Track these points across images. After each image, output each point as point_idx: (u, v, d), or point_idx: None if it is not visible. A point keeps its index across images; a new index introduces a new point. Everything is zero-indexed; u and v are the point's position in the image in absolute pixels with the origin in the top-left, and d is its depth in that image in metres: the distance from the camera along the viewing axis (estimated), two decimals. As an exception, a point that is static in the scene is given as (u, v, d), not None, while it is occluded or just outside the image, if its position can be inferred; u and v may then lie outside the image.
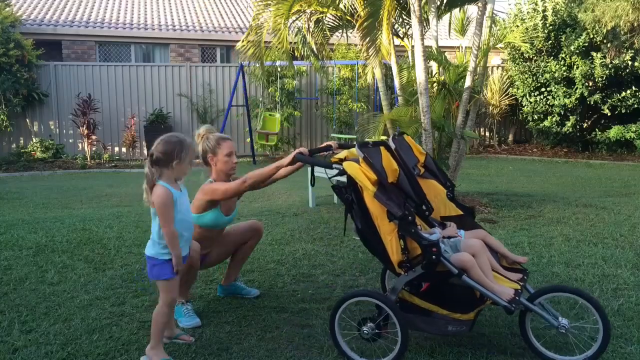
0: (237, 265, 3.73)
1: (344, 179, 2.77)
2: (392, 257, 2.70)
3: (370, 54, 6.36)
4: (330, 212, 6.27)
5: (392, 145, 3.00)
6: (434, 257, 2.59)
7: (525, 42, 10.02)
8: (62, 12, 15.36)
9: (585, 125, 12.71)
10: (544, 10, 12.20)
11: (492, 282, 2.68)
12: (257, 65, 7.60)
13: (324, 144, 3.37)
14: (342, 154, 2.87)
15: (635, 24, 10.48)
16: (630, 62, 11.16)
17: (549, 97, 12.42)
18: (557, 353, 2.79)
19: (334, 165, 2.78)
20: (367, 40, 6.19)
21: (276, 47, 6.79)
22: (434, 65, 7.24)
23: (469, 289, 2.67)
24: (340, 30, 7.69)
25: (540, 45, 12.26)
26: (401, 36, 7.34)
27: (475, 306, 2.73)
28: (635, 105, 11.68)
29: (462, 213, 3.18)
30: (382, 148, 2.87)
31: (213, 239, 3.47)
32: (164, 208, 2.73)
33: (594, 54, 11.34)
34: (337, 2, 6.86)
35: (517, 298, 2.62)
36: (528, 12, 12.61)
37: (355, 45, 9.62)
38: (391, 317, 2.70)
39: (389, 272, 3.35)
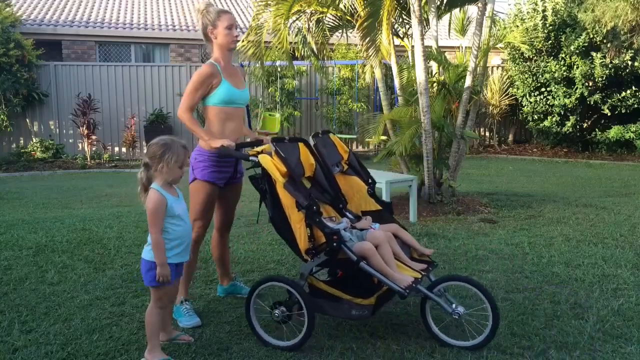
0: (223, 263, 3.70)
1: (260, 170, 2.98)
2: (299, 244, 2.90)
3: (370, 53, 6.36)
4: (330, 212, 6.27)
5: (312, 142, 3.29)
6: (334, 244, 2.79)
7: (525, 43, 10.00)
8: (62, 12, 15.36)
9: (585, 125, 12.71)
10: (543, 10, 12.20)
11: (394, 270, 2.84)
12: (258, 65, 7.59)
13: (255, 138, 3.51)
14: (260, 147, 3.11)
15: (635, 24, 10.48)
16: (630, 62, 11.16)
17: (549, 97, 12.42)
18: (453, 338, 2.96)
19: (250, 158, 2.98)
20: (367, 40, 6.19)
21: (276, 47, 6.79)
22: (434, 65, 7.24)
23: (370, 276, 2.84)
24: (340, 30, 7.69)
25: (540, 45, 12.26)
26: (401, 36, 7.34)
27: (375, 292, 2.89)
28: (635, 105, 11.68)
29: (381, 208, 3.38)
30: (300, 144, 3.18)
31: (235, 129, 3.37)
32: (153, 214, 2.72)
33: (593, 54, 11.34)
34: (337, 2, 6.86)
35: (414, 285, 2.81)
36: (528, 12, 12.61)
37: (355, 45, 9.62)
38: (299, 301, 2.88)
39: None
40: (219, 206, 3.53)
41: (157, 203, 2.72)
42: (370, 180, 3.43)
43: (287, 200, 2.89)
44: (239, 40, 3.49)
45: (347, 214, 3.28)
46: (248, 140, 3.49)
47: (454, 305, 2.86)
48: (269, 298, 3.20)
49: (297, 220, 2.88)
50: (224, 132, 3.29)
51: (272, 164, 2.90)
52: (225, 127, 3.32)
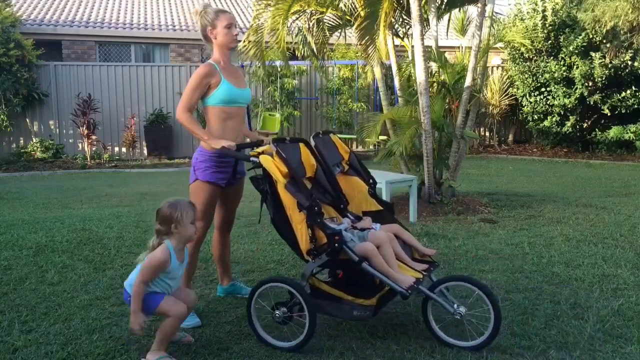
0: (224, 263, 3.69)
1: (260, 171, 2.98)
2: (301, 245, 2.91)
3: (369, 53, 6.36)
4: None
5: (312, 143, 3.29)
6: (336, 245, 2.79)
7: (525, 39, 9.97)
8: (62, 12, 15.36)
9: (585, 125, 12.71)
10: (543, 10, 12.20)
11: (396, 270, 2.85)
12: (259, 65, 7.60)
13: (256, 139, 3.49)
14: (262, 148, 3.09)
15: (635, 24, 10.48)
16: (629, 62, 11.16)
17: (549, 97, 12.42)
18: (454, 338, 2.96)
19: (251, 159, 2.98)
20: (364, 40, 6.20)
21: (273, 47, 6.79)
22: (433, 65, 7.24)
23: (371, 276, 2.85)
24: (340, 30, 7.69)
25: (540, 45, 12.26)
26: (401, 36, 7.34)
27: (376, 292, 2.91)
28: (635, 106, 11.69)
29: (382, 208, 3.39)
30: (301, 145, 3.20)
31: (235, 127, 3.36)
32: (150, 268, 2.69)
33: (593, 54, 11.34)
34: (337, 2, 6.86)
35: (415, 286, 2.82)
36: (528, 12, 12.62)
37: (355, 45, 9.63)
38: (300, 301, 2.87)
39: None
40: (220, 206, 3.52)
41: (160, 262, 2.70)
42: (371, 181, 3.44)
43: (288, 201, 2.89)
44: (239, 40, 3.48)
45: (348, 214, 3.28)
46: (248, 140, 3.49)
47: (455, 305, 2.87)
48: (269, 298, 3.20)
49: (298, 221, 2.88)
50: (224, 132, 3.28)
51: (274, 165, 2.89)
52: (226, 126, 3.31)
